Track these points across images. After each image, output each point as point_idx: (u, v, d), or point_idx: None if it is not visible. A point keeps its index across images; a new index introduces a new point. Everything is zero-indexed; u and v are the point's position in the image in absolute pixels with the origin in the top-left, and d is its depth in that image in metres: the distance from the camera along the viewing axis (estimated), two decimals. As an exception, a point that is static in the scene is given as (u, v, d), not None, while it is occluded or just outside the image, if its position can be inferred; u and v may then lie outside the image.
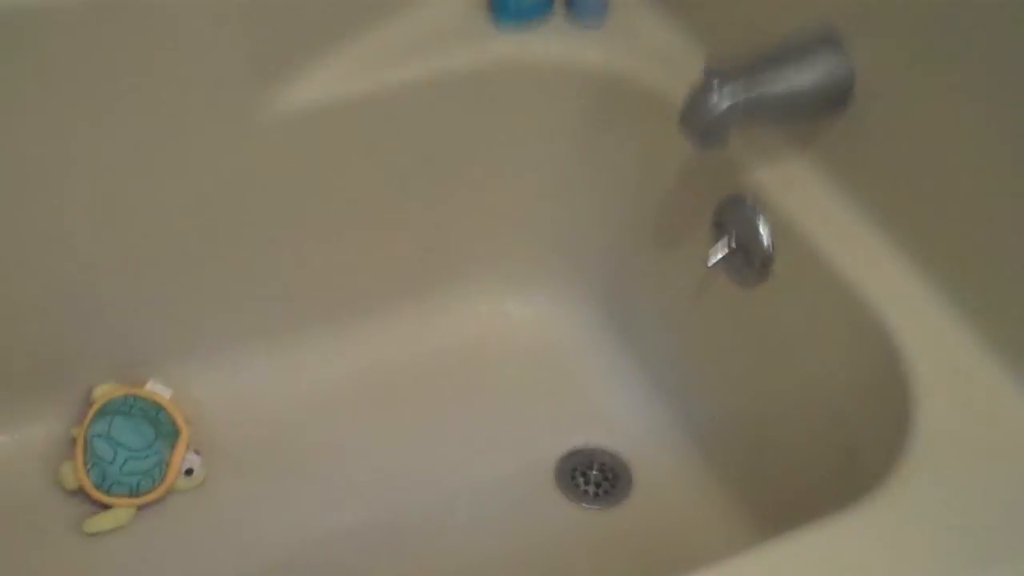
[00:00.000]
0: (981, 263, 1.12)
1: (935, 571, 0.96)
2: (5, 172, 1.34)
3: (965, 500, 1.00)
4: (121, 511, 1.43)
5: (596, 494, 1.51)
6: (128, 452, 1.42)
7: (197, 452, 1.49)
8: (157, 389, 1.51)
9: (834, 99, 1.22)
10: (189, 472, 1.47)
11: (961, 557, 0.96)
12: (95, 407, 1.47)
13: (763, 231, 1.29)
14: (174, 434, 1.48)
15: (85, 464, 1.43)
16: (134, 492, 1.43)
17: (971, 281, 1.13)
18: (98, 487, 1.43)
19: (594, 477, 1.53)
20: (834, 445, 1.26)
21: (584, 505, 1.51)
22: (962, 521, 0.99)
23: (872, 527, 0.98)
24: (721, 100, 1.16)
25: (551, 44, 1.49)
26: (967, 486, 1.02)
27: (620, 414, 1.61)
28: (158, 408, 1.49)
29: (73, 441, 1.46)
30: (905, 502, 1.00)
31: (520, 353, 1.68)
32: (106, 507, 1.44)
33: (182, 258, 1.48)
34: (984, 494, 1.01)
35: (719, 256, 1.34)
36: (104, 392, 1.49)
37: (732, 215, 1.33)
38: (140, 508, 1.45)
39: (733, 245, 1.33)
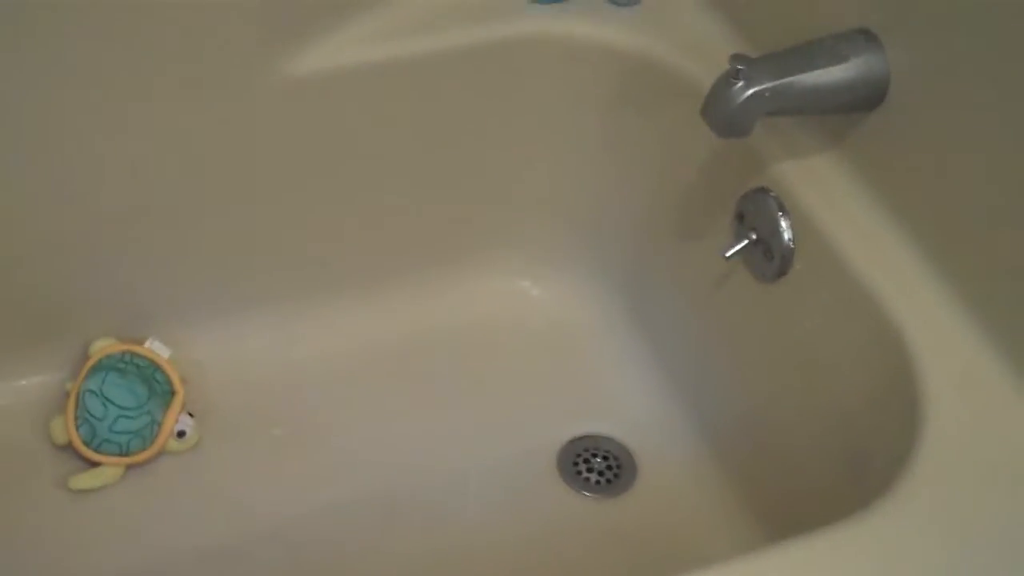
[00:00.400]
0: (1001, 273, 1.09)
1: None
2: (14, 122, 1.32)
3: (970, 513, 0.98)
4: (109, 469, 1.41)
5: (599, 482, 1.48)
6: (119, 410, 1.40)
7: (191, 415, 1.46)
8: (156, 347, 1.48)
9: (867, 97, 1.18)
10: (181, 434, 1.44)
11: (965, 569, 0.95)
12: (90, 362, 1.45)
13: (784, 225, 1.25)
14: (169, 394, 1.46)
15: (76, 420, 1.41)
16: (124, 451, 1.41)
17: (990, 291, 1.10)
18: (87, 444, 1.40)
19: (598, 465, 1.50)
20: (842, 448, 1.23)
21: (586, 493, 1.47)
22: (967, 534, 0.97)
23: (875, 537, 0.96)
24: (745, 89, 1.13)
25: (583, 21, 1.46)
26: (973, 498, 0.99)
27: (630, 403, 1.58)
28: (155, 367, 1.46)
29: (67, 395, 1.44)
30: (910, 514, 0.98)
31: (533, 334, 1.65)
32: (95, 464, 1.41)
33: (189, 218, 1.46)
34: (990, 508, 0.99)
35: (737, 248, 1.30)
36: (101, 347, 1.47)
37: (755, 207, 1.29)
38: (129, 468, 1.43)
39: (754, 237, 1.30)
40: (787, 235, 1.25)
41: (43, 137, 1.34)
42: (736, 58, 1.14)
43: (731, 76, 1.13)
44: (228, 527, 1.40)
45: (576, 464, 1.50)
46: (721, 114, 1.15)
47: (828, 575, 0.94)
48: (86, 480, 1.40)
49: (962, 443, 1.03)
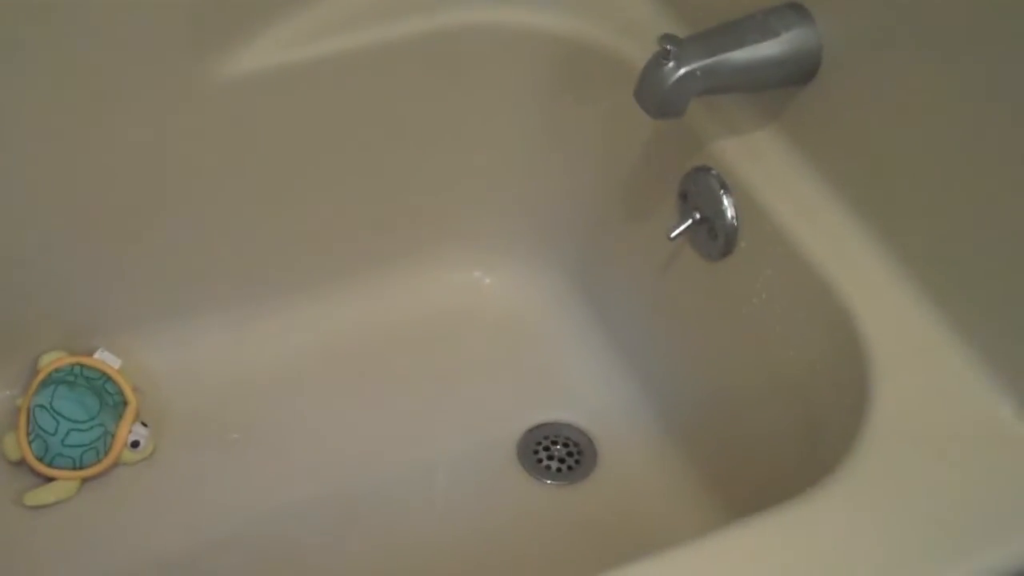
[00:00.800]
0: (944, 241, 1.09)
1: (889, 557, 0.94)
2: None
3: (920, 485, 0.99)
4: (64, 484, 1.40)
5: (559, 470, 1.48)
6: (71, 424, 1.39)
7: (145, 424, 1.45)
8: (105, 358, 1.47)
9: (800, 71, 1.18)
10: (136, 444, 1.43)
11: (914, 543, 0.94)
12: (40, 376, 1.43)
13: (727, 203, 1.25)
14: (121, 405, 1.45)
15: (28, 435, 1.39)
16: (77, 465, 1.40)
17: (933, 258, 1.10)
18: (40, 459, 1.39)
19: (558, 452, 1.49)
20: (796, 423, 1.23)
21: (547, 481, 1.47)
22: (917, 506, 0.97)
23: (826, 514, 0.96)
24: (676, 69, 1.12)
25: (516, 9, 1.45)
26: (923, 471, 1.00)
27: (588, 388, 1.57)
28: (105, 378, 1.45)
29: (17, 411, 1.43)
30: (860, 489, 0.98)
31: (487, 324, 1.65)
32: (49, 479, 1.40)
33: (131, 225, 1.45)
34: (939, 480, 0.99)
35: (682, 228, 1.30)
36: (50, 361, 1.45)
37: (697, 186, 1.29)
38: (84, 481, 1.42)
39: (698, 217, 1.30)
40: (730, 213, 1.25)
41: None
42: (666, 38, 1.13)
43: (661, 57, 1.13)
44: (187, 535, 1.39)
45: (536, 452, 1.50)
46: (654, 96, 1.14)
47: (780, 554, 0.93)
48: (41, 496, 1.39)
49: (911, 415, 1.04)
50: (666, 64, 1.12)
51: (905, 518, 0.96)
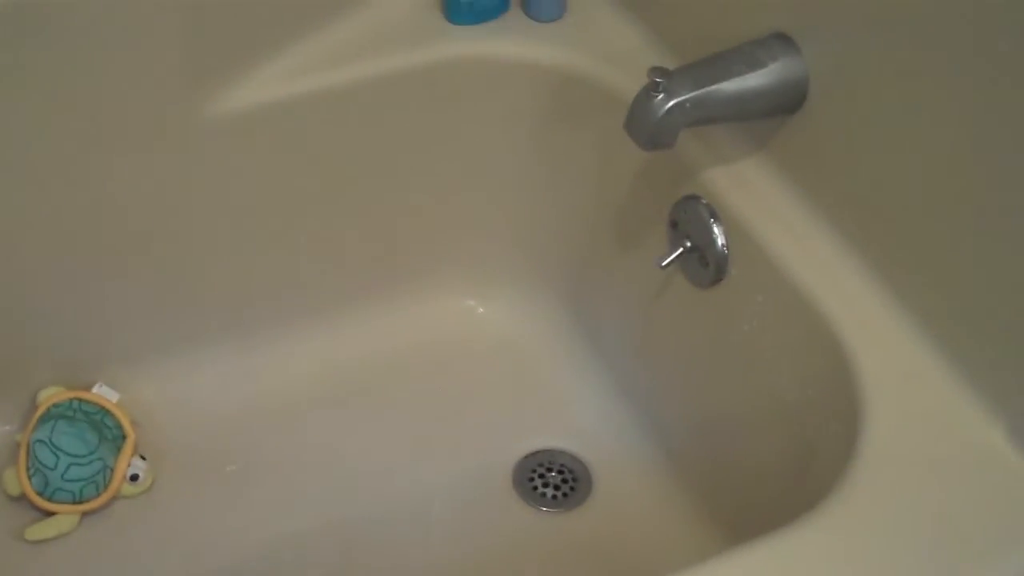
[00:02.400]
0: (932, 267, 1.10)
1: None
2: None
3: (912, 509, 0.99)
4: (64, 518, 1.41)
5: (555, 496, 1.49)
6: (70, 458, 1.39)
7: (143, 457, 1.46)
8: (104, 392, 1.48)
9: (788, 101, 1.20)
10: (135, 478, 1.44)
11: (907, 567, 0.95)
12: (39, 411, 1.44)
13: (717, 231, 1.27)
14: (120, 439, 1.45)
15: (28, 470, 1.40)
16: (77, 499, 1.41)
17: (923, 285, 1.12)
18: (40, 494, 1.40)
19: (553, 479, 1.50)
20: (789, 448, 1.25)
21: (543, 508, 1.48)
22: (909, 530, 0.98)
23: (821, 538, 0.97)
24: (665, 102, 1.14)
25: (505, 41, 1.47)
26: (915, 494, 1.01)
27: (582, 415, 1.58)
28: (104, 412, 1.46)
29: (17, 446, 1.43)
30: (854, 512, 0.99)
31: (482, 352, 1.66)
32: (50, 514, 1.41)
33: (127, 261, 1.46)
34: (931, 502, 1.00)
35: (673, 257, 1.31)
36: (49, 396, 1.46)
37: (687, 215, 1.30)
38: (84, 515, 1.42)
39: (688, 245, 1.31)
40: (720, 241, 1.27)
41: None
42: (655, 71, 1.14)
43: (651, 89, 1.14)
44: (187, 567, 1.40)
45: (532, 480, 1.50)
46: (644, 128, 1.16)
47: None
48: (41, 530, 1.40)
49: (903, 440, 1.05)
50: (655, 96, 1.14)
51: (898, 543, 0.96)
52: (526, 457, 1.53)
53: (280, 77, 1.41)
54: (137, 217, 1.43)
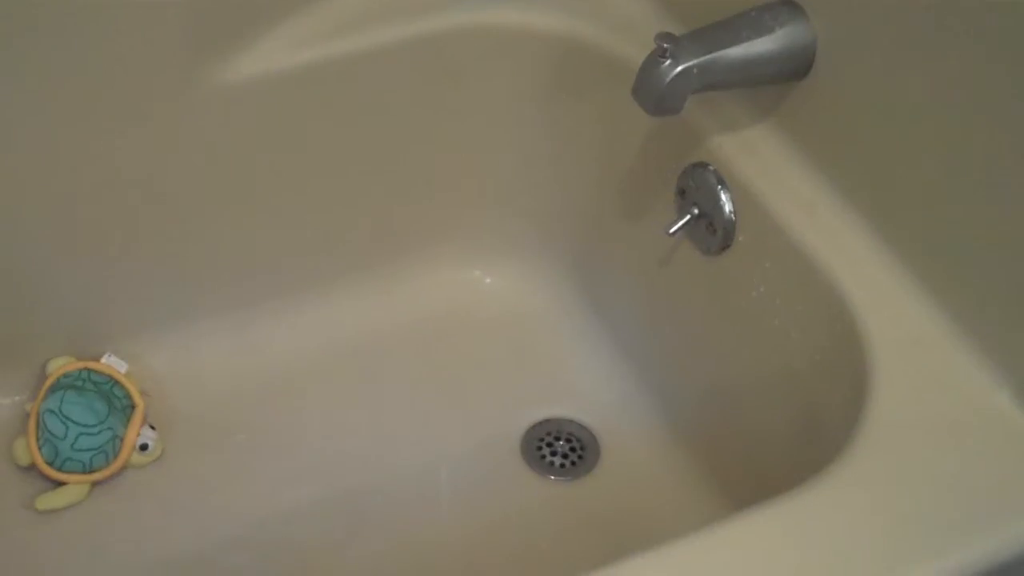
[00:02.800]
0: (939, 232, 1.10)
1: (890, 544, 0.94)
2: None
3: (920, 472, 0.99)
4: (74, 488, 1.41)
5: (563, 465, 1.49)
6: (80, 428, 1.40)
7: (153, 427, 1.46)
8: (112, 362, 1.48)
9: (795, 67, 1.20)
10: (144, 447, 1.44)
11: (916, 529, 0.95)
12: (48, 381, 1.45)
13: (724, 198, 1.27)
14: (129, 408, 1.46)
15: (37, 440, 1.41)
16: (87, 468, 1.41)
17: (930, 249, 1.12)
18: (50, 463, 1.40)
19: (561, 448, 1.51)
20: (797, 413, 1.25)
21: (551, 477, 1.48)
22: (917, 493, 0.98)
23: (829, 502, 0.97)
24: (672, 67, 1.13)
25: (510, 10, 1.46)
26: (923, 457, 1.01)
27: (589, 384, 1.59)
28: (113, 382, 1.46)
29: (27, 416, 1.44)
30: (862, 476, 0.99)
31: (488, 323, 1.66)
32: (60, 484, 1.41)
33: (135, 232, 1.46)
34: (939, 465, 1.00)
35: (680, 224, 1.31)
36: (59, 366, 1.47)
37: (695, 182, 1.30)
38: (95, 484, 1.43)
39: (696, 212, 1.31)
40: (728, 208, 1.27)
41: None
42: (662, 36, 1.14)
43: (658, 55, 1.14)
44: (196, 537, 1.40)
45: (540, 449, 1.51)
46: (651, 93, 1.15)
47: (782, 543, 0.94)
48: (52, 500, 1.40)
49: (910, 403, 1.05)
50: (663, 62, 1.13)
51: (906, 505, 0.97)
52: (534, 426, 1.54)
53: (281, 48, 1.40)
54: (144, 189, 1.43)
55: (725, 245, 1.29)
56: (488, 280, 1.68)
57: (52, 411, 1.40)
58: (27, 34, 1.26)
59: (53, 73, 1.30)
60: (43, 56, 1.29)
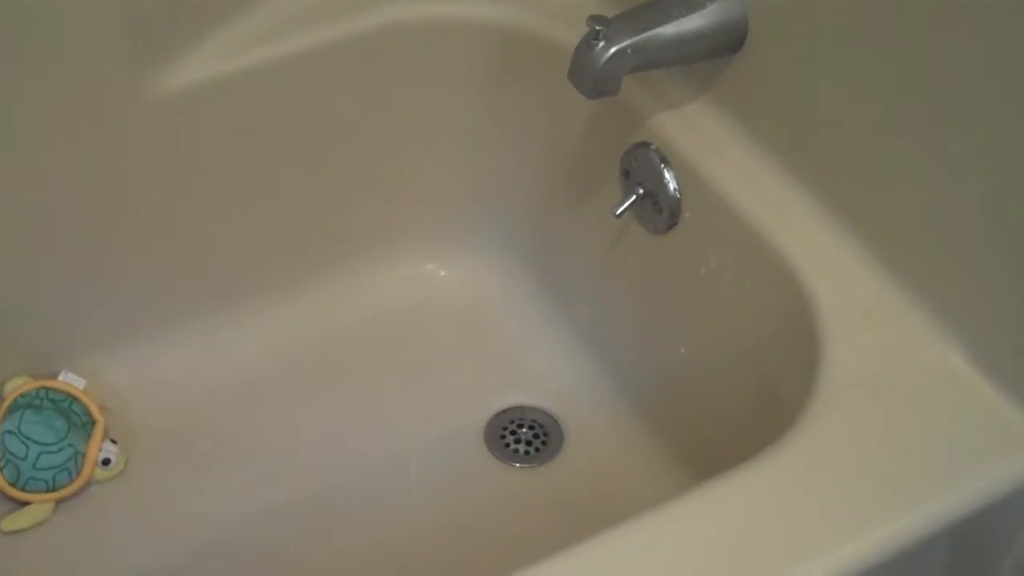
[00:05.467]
0: (884, 198, 1.11)
1: (848, 507, 0.95)
2: None
3: (875, 434, 1.01)
4: (39, 507, 1.41)
5: (527, 452, 1.50)
6: (40, 447, 1.39)
7: (114, 441, 1.46)
8: (70, 379, 1.48)
9: (728, 41, 1.21)
10: (107, 462, 1.44)
11: (872, 491, 0.97)
12: (6, 402, 1.44)
13: (668, 176, 1.28)
14: (89, 424, 1.45)
15: (5, 461, 1.40)
16: (51, 487, 1.41)
17: (876, 216, 1.13)
18: (13, 484, 1.40)
19: (525, 435, 1.51)
20: (754, 386, 1.26)
21: (516, 464, 1.49)
22: (872, 454, 0.99)
23: (786, 470, 0.98)
24: (606, 49, 1.15)
25: (446, 2, 1.47)
26: (877, 420, 1.02)
27: (549, 370, 1.59)
28: (71, 399, 1.46)
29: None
30: (816, 441, 1.00)
31: (445, 315, 1.66)
32: (24, 504, 1.41)
33: (80, 246, 1.45)
34: (893, 427, 1.01)
35: (627, 205, 1.32)
36: (16, 386, 1.46)
37: (638, 162, 1.31)
38: (59, 502, 1.42)
39: (641, 192, 1.32)
40: (672, 186, 1.28)
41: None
42: (594, 19, 1.15)
43: (591, 38, 1.15)
44: (166, 547, 1.40)
45: (503, 437, 1.51)
46: (587, 76, 1.16)
47: (741, 512, 0.95)
48: (17, 521, 1.39)
49: (862, 367, 1.06)
50: (596, 44, 1.14)
51: (862, 467, 0.98)
52: (496, 415, 1.54)
53: (222, 53, 1.40)
54: (92, 204, 1.43)
55: (672, 223, 1.30)
56: (443, 273, 1.68)
57: (11, 432, 1.40)
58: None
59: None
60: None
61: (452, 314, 1.65)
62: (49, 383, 1.46)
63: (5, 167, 1.35)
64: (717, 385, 1.34)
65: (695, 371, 1.38)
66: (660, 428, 1.47)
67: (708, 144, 1.26)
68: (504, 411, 1.54)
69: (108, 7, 1.30)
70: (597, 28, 1.14)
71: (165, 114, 1.40)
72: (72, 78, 1.33)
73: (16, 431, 1.40)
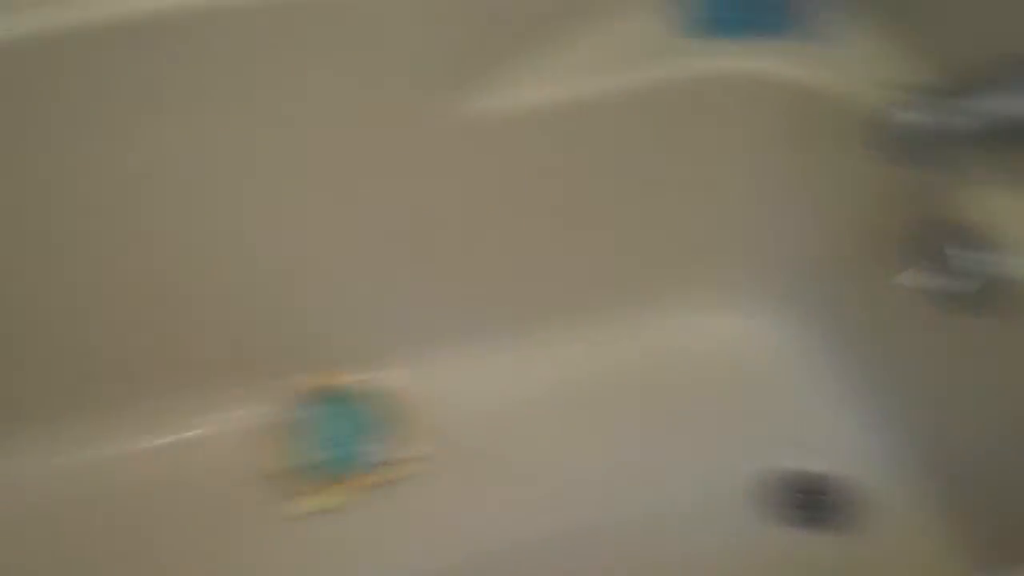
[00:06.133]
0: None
1: None
2: (221, 174, 1.39)
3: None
4: (325, 497, 1.47)
5: (806, 518, 1.47)
6: (334, 439, 1.48)
7: (408, 444, 1.52)
8: (381, 379, 1.56)
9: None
10: (394, 464, 1.50)
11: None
12: (305, 394, 1.53)
13: (981, 256, 1.22)
14: (383, 424, 1.52)
15: (296, 447, 1.48)
16: (338, 478, 1.47)
17: None
18: (305, 470, 1.47)
19: (801, 500, 1.49)
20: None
21: (791, 528, 1.47)
22: None
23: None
24: (913, 118, 1.11)
25: (752, 57, 1.45)
26: None
27: (829, 435, 1.56)
28: (368, 398, 1.54)
29: (286, 425, 1.52)
30: None
31: (724, 369, 1.65)
32: (312, 492, 1.48)
33: (389, 260, 1.53)
34: None
35: (925, 278, 1.27)
36: (314, 381, 1.55)
37: (941, 236, 1.26)
38: (347, 495, 1.48)
39: (948, 267, 1.26)
40: (986, 266, 1.22)
41: (248, 194, 1.42)
42: (906, 86, 1.12)
43: (898, 104, 1.12)
44: (436, 555, 1.44)
45: (777, 499, 1.49)
46: (887, 142, 1.13)
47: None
48: (305, 505, 1.46)
49: None
50: (901, 111, 1.11)
51: None
52: (771, 476, 1.52)
53: (529, 83, 1.43)
54: (386, 218, 1.50)
55: (975, 304, 1.24)
56: (724, 325, 1.68)
57: (308, 421, 1.48)
58: (272, 56, 1.31)
59: (296, 97, 1.35)
60: (286, 78, 1.33)
61: (732, 367, 1.65)
62: (351, 380, 1.55)
63: (308, 177, 1.42)
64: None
65: (1006, 457, 1.31)
66: (954, 509, 1.41)
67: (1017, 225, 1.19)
68: (779, 472, 1.52)
69: (429, 26, 1.35)
70: (908, 96, 1.11)
71: (470, 137, 1.44)
72: (384, 94, 1.38)
73: (313, 422, 1.48)
